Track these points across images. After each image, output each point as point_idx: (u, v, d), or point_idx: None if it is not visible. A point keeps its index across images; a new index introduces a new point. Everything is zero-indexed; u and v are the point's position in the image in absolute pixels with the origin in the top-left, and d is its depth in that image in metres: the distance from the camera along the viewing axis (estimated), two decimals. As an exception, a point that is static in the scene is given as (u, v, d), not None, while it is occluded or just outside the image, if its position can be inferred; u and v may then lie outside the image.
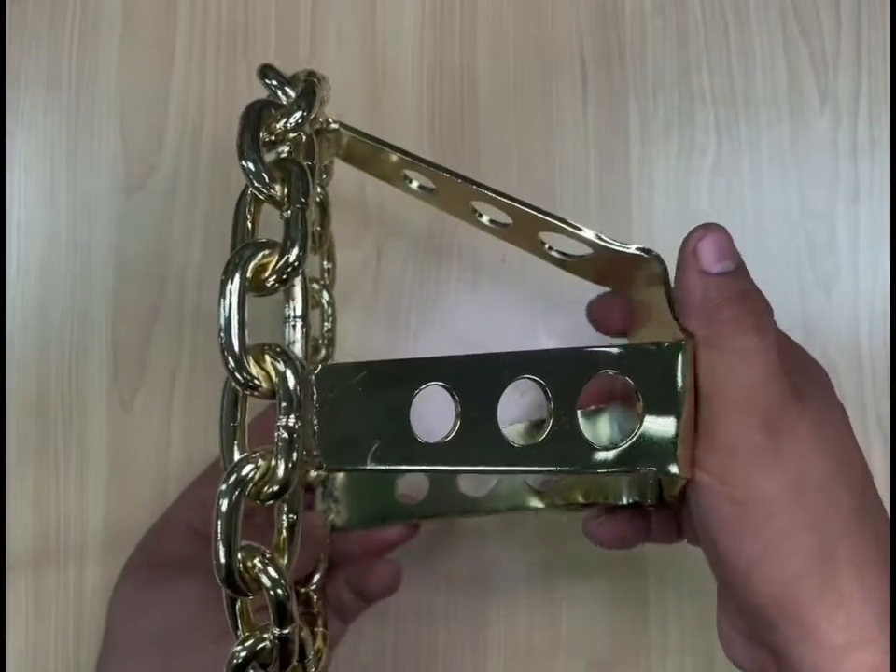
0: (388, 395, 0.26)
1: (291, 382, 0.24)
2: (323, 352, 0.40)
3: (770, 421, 0.25)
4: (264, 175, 0.25)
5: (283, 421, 0.24)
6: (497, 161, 0.44)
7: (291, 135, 0.27)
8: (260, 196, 0.25)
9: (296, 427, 0.24)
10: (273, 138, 0.27)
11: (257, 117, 0.26)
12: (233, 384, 0.24)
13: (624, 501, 0.34)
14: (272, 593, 0.24)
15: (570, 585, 0.41)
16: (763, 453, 0.25)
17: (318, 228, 0.38)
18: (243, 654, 0.25)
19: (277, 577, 0.24)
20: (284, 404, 0.24)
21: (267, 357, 0.24)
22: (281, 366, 0.24)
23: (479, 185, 0.32)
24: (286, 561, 0.26)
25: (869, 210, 0.43)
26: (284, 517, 0.26)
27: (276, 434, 0.24)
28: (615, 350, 0.26)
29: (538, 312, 0.42)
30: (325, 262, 0.40)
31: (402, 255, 0.43)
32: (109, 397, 0.42)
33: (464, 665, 0.41)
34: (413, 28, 0.44)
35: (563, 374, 0.26)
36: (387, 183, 0.36)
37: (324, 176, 0.37)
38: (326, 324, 0.40)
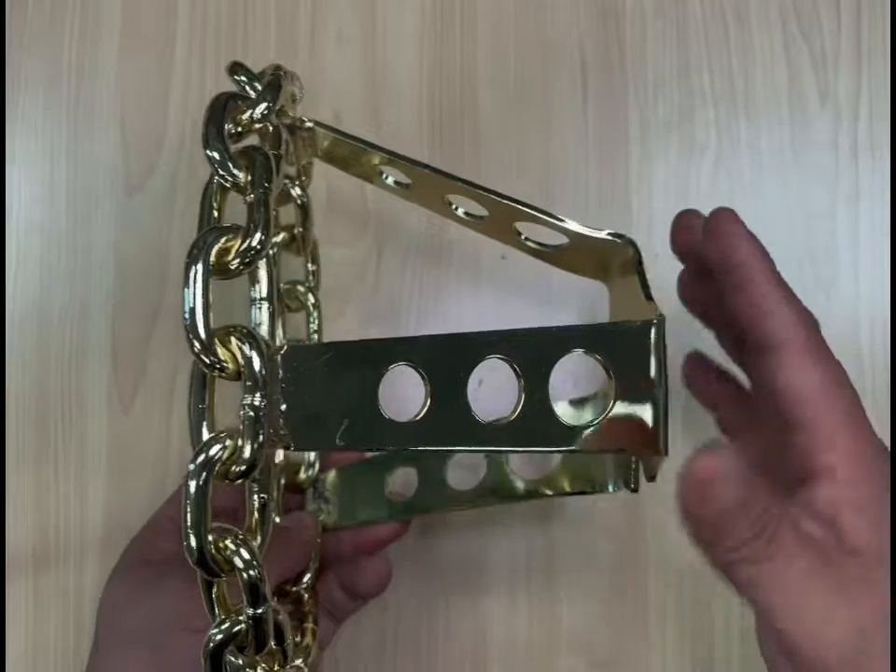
0: (356, 374, 0.26)
1: (257, 363, 0.24)
2: None
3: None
4: (228, 163, 0.26)
5: (248, 400, 0.24)
6: (497, 160, 0.44)
7: (257, 126, 0.28)
8: (225, 183, 0.26)
9: (261, 405, 0.24)
10: (240, 129, 0.27)
11: (221, 108, 0.27)
12: (200, 366, 0.24)
13: (610, 489, 0.34)
14: (244, 574, 0.24)
15: (570, 585, 0.41)
16: None
17: (300, 230, 0.38)
18: (218, 637, 0.25)
19: (249, 558, 0.24)
20: (249, 384, 0.24)
21: (233, 339, 0.24)
22: (247, 347, 0.24)
23: (451, 176, 0.32)
24: (258, 542, 0.26)
25: (869, 210, 0.43)
26: (255, 497, 0.26)
27: (242, 413, 0.24)
28: (584, 329, 0.26)
29: (538, 310, 0.42)
30: (309, 264, 0.40)
31: (402, 254, 0.43)
32: (109, 397, 0.42)
33: (464, 664, 0.41)
34: (413, 28, 0.44)
35: (533, 354, 0.26)
36: (370, 183, 0.36)
37: (303, 178, 0.38)
38: (312, 325, 0.40)
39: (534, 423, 0.26)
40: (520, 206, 0.31)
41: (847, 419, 0.26)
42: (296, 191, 0.38)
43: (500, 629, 0.41)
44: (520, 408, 0.26)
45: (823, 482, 0.25)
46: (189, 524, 0.23)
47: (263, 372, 0.24)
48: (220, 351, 0.24)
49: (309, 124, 0.34)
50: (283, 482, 0.38)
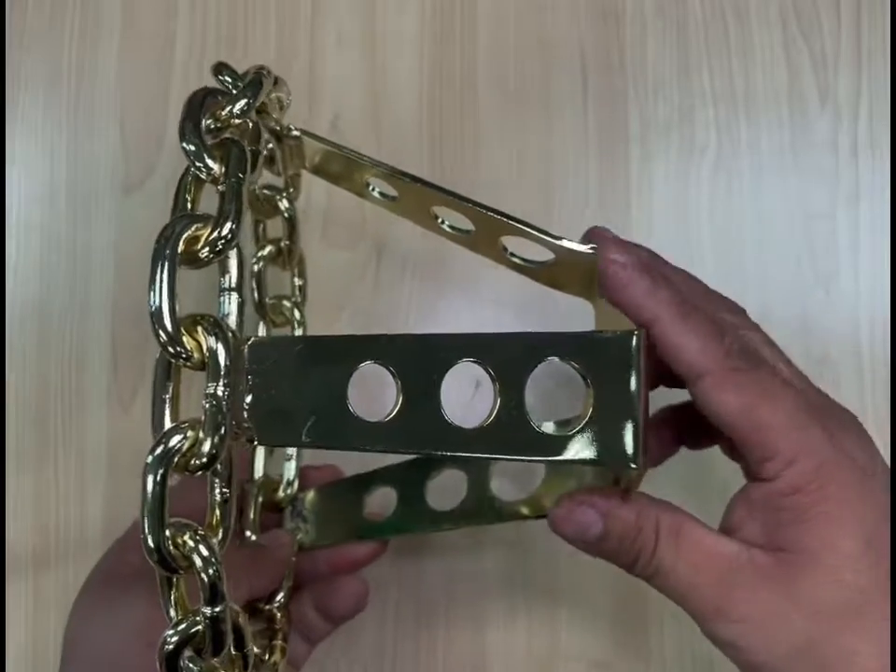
0: (325, 370, 0.25)
1: (222, 353, 0.24)
2: None
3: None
4: (203, 153, 0.25)
5: (211, 390, 0.24)
6: (497, 161, 0.44)
7: (236, 122, 0.27)
8: (200, 174, 0.26)
9: (224, 396, 0.23)
10: (219, 125, 0.27)
11: (199, 102, 0.27)
12: (165, 355, 0.24)
13: None
14: (203, 574, 0.24)
15: (570, 587, 0.41)
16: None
17: (287, 243, 0.38)
18: (174, 639, 0.24)
19: (208, 555, 0.24)
20: (212, 373, 0.24)
21: (199, 329, 0.24)
22: (212, 338, 0.24)
23: (437, 188, 0.32)
24: (219, 538, 0.25)
25: (869, 210, 0.43)
26: (217, 492, 0.26)
27: (204, 403, 0.24)
28: (563, 337, 0.26)
29: (537, 314, 0.42)
30: (296, 279, 0.40)
31: (401, 256, 0.43)
32: (109, 397, 0.42)
33: (464, 667, 0.41)
34: (413, 29, 0.44)
35: (509, 359, 0.25)
36: (360, 197, 0.36)
37: (291, 190, 0.37)
38: None
39: (508, 430, 0.25)
40: (506, 220, 0.31)
41: (784, 430, 0.26)
42: (283, 204, 0.37)
43: (500, 631, 0.41)
44: (494, 413, 0.25)
45: (763, 485, 0.27)
46: (146, 518, 0.23)
47: (227, 363, 0.24)
48: (186, 340, 0.24)
49: (296, 132, 0.34)
50: (260, 499, 0.37)
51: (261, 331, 0.39)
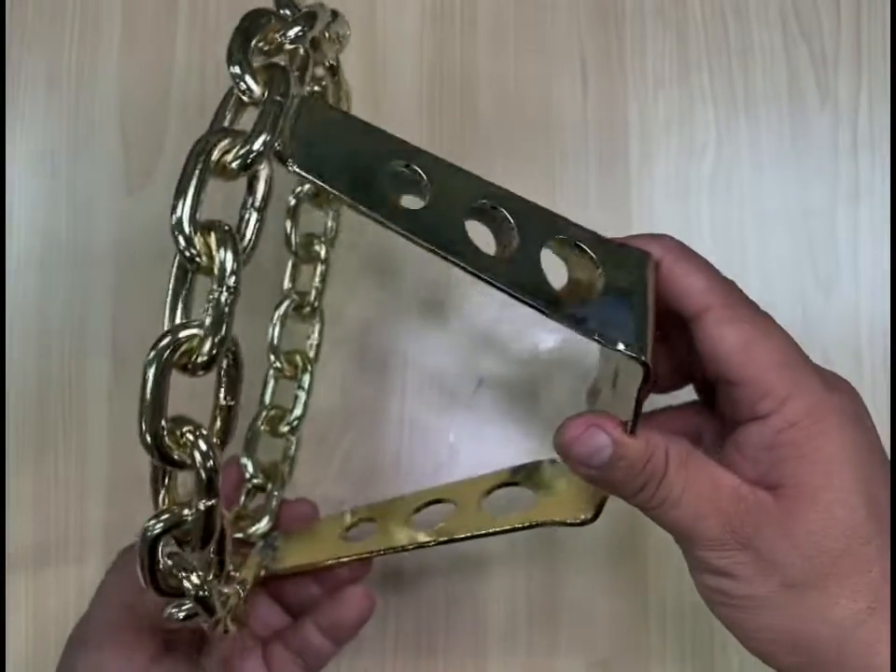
0: (369, 148, 0.27)
1: (230, 260, 0.24)
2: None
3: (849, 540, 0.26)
4: (247, 75, 0.25)
5: (215, 295, 0.23)
6: (497, 160, 0.44)
7: (289, 47, 0.28)
8: (242, 96, 0.25)
9: (226, 301, 0.23)
10: (270, 48, 0.27)
11: (250, 23, 0.27)
12: (180, 258, 0.24)
13: (582, 517, 0.32)
14: (200, 467, 0.24)
15: (570, 586, 0.41)
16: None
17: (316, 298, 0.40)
18: (158, 527, 0.24)
19: (206, 450, 0.24)
20: (218, 278, 0.23)
21: (212, 236, 0.24)
22: (222, 246, 0.24)
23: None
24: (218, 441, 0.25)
25: (869, 209, 0.43)
26: (221, 398, 0.26)
27: (207, 306, 0.23)
28: (590, 232, 0.28)
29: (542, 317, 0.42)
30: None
31: (405, 250, 0.43)
32: (109, 397, 0.42)
33: (464, 664, 0.41)
34: (413, 28, 0.44)
35: (533, 220, 0.27)
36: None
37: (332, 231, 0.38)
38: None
39: (522, 271, 0.26)
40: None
41: (779, 368, 0.27)
42: (322, 250, 0.39)
43: (500, 629, 0.41)
44: (509, 250, 0.26)
45: (758, 424, 0.27)
46: (143, 409, 0.23)
47: (235, 269, 0.23)
48: (200, 245, 0.24)
49: None
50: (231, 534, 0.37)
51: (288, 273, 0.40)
